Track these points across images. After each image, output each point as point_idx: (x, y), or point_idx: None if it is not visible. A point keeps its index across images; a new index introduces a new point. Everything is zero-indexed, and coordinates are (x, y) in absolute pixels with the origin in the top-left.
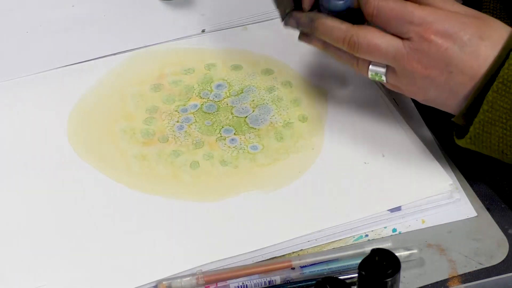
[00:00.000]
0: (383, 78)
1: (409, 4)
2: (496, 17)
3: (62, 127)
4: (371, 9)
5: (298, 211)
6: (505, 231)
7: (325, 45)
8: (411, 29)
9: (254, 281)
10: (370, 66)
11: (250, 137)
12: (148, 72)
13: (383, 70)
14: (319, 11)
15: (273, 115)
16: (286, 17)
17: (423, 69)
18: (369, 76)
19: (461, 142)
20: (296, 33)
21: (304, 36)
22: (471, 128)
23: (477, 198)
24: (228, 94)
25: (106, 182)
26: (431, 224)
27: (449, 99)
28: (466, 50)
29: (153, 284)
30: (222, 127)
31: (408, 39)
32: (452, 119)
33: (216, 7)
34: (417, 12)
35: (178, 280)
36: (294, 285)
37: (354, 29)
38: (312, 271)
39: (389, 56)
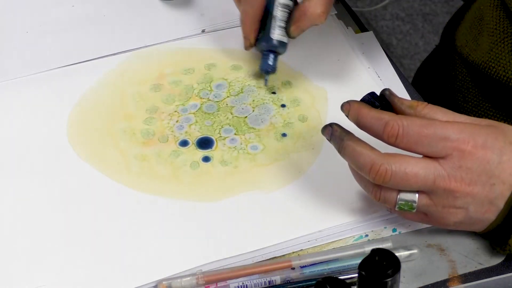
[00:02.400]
0: (414, 205)
1: (433, 121)
2: (499, 27)
3: (62, 127)
4: (396, 129)
5: (298, 211)
6: None
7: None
8: (448, 145)
9: (254, 281)
10: (400, 196)
11: (250, 137)
12: (148, 72)
13: (415, 198)
14: None
15: (273, 115)
16: (324, 126)
17: (465, 186)
18: (396, 207)
19: (508, 249)
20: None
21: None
22: (510, 241)
23: None
24: (228, 94)
25: (106, 182)
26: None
27: (489, 212)
28: (504, 159)
29: (153, 284)
30: (222, 127)
31: (444, 157)
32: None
33: (216, 7)
34: (447, 127)
35: (178, 280)
36: (294, 285)
37: (386, 157)
38: (312, 271)
39: (429, 181)
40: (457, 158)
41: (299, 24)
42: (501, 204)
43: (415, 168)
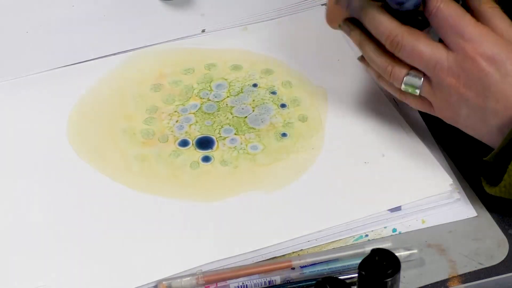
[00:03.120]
0: (417, 90)
1: (467, 16)
2: None
3: (62, 127)
4: (432, 7)
5: (298, 211)
6: (505, 231)
7: (361, 43)
8: (459, 42)
9: (254, 281)
10: (406, 76)
11: (250, 137)
12: (148, 72)
13: (419, 81)
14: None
15: (273, 115)
16: None
17: (459, 86)
18: (402, 87)
19: (493, 191)
20: (295, 33)
21: (348, 23)
22: (506, 176)
23: (477, 198)
24: (228, 94)
25: (106, 182)
26: (431, 224)
27: (480, 124)
28: (507, 80)
29: (153, 284)
30: (222, 127)
31: (453, 51)
32: (485, 159)
33: (216, 7)
34: (471, 27)
35: (178, 280)
36: (294, 285)
37: (402, 29)
38: (312, 271)
39: (430, 65)
40: (461, 57)
41: None
42: (492, 123)
43: (423, 47)
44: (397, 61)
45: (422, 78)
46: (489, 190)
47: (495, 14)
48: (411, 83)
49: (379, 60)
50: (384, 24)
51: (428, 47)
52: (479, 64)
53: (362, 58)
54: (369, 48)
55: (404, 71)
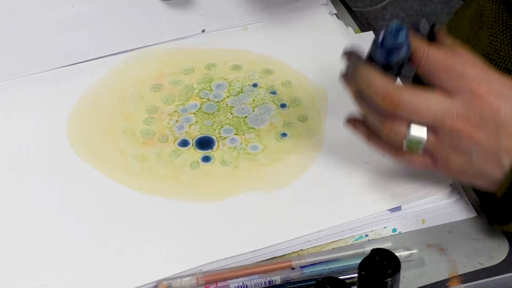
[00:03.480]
0: (421, 145)
1: (460, 57)
2: (498, 19)
3: (62, 127)
4: (420, 56)
5: (298, 211)
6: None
7: (358, 93)
8: (463, 83)
9: (254, 281)
10: (410, 131)
11: (250, 137)
12: (148, 72)
13: (424, 134)
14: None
15: (273, 115)
16: (344, 49)
17: (471, 129)
18: (405, 144)
19: (505, 228)
20: (295, 33)
21: (345, 77)
22: None
23: (477, 198)
24: (228, 94)
25: (106, 183)
26: (431, 224)
27: (492, 166)
28: None
29: (153, 284)
30: (222, 127)
31: (457, 95)
32: (499, 195)
33: (216, 7)
34: (468, 66)
35: (178, 280)
36: (294, 285)
37: (398, 86)
38: (312, 271)
39: (438, 116)
40: (468, 99)
41: None
42: (506, 161)
43: (427, 99)
44: (395, 117)
45: (426, 130)
46: (499, 228)
47: (470, 62)
48: (414, 138)
49: (375, 116)
50: (378, 83)
51: (431, 99)
52: (489, 101)
53: (349, 121)
54: (365, 104)
55: (404, 125)
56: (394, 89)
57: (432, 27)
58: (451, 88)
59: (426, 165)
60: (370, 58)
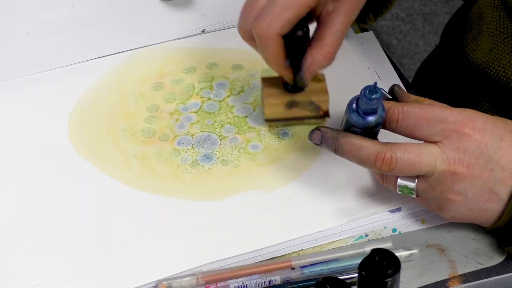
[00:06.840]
0: (413, 191)
1: (434, 106)
2: (499, 27)
3: (63, 126)
4: (396, 114)
5: (298, 211)
6: None
7: None
8: (446, 127)
9: (254, 281)
10: (399, 181)
11: (250, 137)
12: (148, 71)
13: (413, 183)
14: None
15: None
16: (310, 132)
17: (463, 169)
18: (398, 191)
19: (507, 249)
20: None
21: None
22: None
23: None
24: (229, 93)
25: (106, 181)
26: (431, 224)
27: (489, 201)
28: (503, 145)
29: (153, 284)
30: (223, 126)
31: (442, 140)
32: (501, 225)
33: (216, 7)
34: (446, 111)
35: (178, 280)
36: (294, 285)
37: (387, 145)
38: (312, 271)
39: (431, 166)
40: (455, 140)
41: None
42: (503, 193)
43: (419, 153)
44: None
45: (416, 180)
46: (507, 249)
47: (434, 103)
48: (405, 186)
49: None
50: (366, 147)
51: (422, 150)
52: (475, 139)
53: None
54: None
55: (394, 177)
56: (385, 148)
57: (391, 88)
58: (435, 134)
59: (424, 205)
60: (347, 126)
